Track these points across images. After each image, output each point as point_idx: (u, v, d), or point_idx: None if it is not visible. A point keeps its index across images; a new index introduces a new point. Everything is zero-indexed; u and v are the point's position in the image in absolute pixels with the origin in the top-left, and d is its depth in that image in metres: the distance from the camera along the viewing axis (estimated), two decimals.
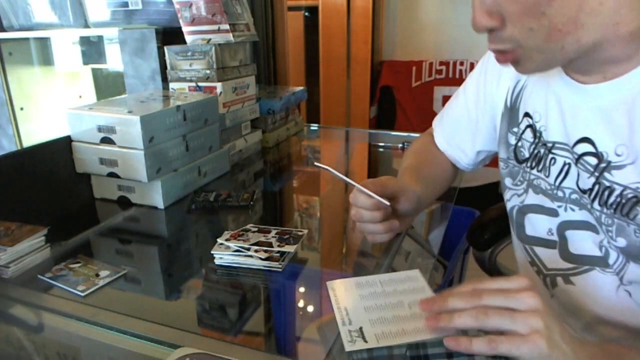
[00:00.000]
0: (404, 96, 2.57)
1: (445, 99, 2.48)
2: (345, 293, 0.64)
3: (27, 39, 1.50)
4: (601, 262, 0.61)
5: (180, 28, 1.18)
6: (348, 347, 0.53)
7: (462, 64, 2.44)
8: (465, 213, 1.55)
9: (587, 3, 0.49)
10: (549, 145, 0.64)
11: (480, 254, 1.08)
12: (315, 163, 0.68)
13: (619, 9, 0.50)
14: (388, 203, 0.66)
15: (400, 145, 1.41)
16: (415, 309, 0.59)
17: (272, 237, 0.78)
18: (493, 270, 1.08)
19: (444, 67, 2.49)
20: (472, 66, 2.41)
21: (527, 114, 0.68)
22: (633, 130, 0.53)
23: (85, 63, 1.51)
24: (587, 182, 0.59)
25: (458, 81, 2.44)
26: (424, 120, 2.52)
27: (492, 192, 2.47)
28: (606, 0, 0.49)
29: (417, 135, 1.34)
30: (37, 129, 1.52)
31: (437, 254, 0.89)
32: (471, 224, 1.09)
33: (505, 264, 1.08)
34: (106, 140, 0.93)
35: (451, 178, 0.89)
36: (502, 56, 0.56)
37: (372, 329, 0.56)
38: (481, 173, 0.86)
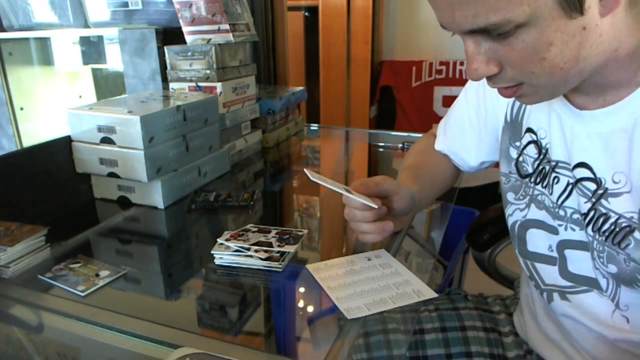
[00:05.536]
0: (404, 96, 2.57)
1: (445, 99, 2.48)
2: (326, 273, 0.70)
3: (27, 39, 1.50)
4: (597, 285, 0.60)
5: (180, 28, 1.18)
6: (350, 316, 0.60)
7: (462, 64, 2.44)
8: (465, 213, 1.55)
9: (587, 39, 0.47)
10: (553, 163, 0.63)
11: (479, 254, 1.08)
12: (306, 170, 0.67)
13: (617, 35, 0.49)
14: (376, 206, 0.66)
15: (400, 145, 1.41)
16: (388, 280, 0.68)
17: (272, 237, 0.78)
18: (492, 270, 1.08)
19: (444, 67, 2.48)
20: None
21: (530, 129, 0.67)
22: (632, 158, 0.52)
23: (85, 63, 1.51)
24: (584, 206, 0.58)
25: (458, 81, 2.44)
26: (424, 120, 2.52)
27: (492, 192, 2.47)
28: (605, 32, 0.48)
29: (417, 135, 1.34)
30: (37, 129, 1.52)
31: (437, 254, 0.89)
32: (470, 225, 1.09)
33: (504, 264, 1.08)
34: (106, 140, 0.93)
35: (453, 178, 0.89)
36: (506, 91, 0.54)
37: (361, 300, 0.63)
38: (481, 173, 0.86)
